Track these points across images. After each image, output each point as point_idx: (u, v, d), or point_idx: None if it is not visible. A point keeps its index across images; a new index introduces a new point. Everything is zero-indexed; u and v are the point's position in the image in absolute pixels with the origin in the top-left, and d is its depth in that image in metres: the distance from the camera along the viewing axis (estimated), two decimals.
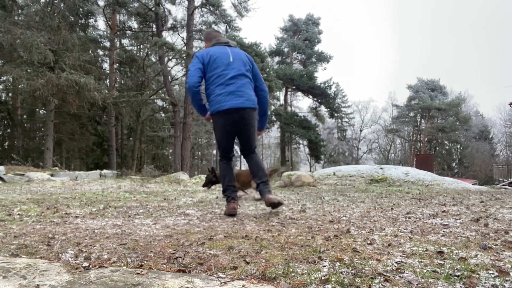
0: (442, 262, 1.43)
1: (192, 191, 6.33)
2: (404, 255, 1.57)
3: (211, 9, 18.73)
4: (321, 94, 31.41)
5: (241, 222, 2.72)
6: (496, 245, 1.75)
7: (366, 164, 15.33)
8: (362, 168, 8.29)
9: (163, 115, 26.67)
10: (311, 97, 32.99)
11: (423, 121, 41.23)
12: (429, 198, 4.45)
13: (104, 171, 11.63)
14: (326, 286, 1.18)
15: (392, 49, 76.85)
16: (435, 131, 37.34)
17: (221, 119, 3.11)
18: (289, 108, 34.06)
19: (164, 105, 24.53)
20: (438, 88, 41.76)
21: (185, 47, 18.25)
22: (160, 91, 21.87)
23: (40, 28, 14.19)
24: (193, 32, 18.46)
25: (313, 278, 1.25)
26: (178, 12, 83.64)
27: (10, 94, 22.12)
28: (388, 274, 1.28)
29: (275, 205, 3.07)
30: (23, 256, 1.66)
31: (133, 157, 22.17)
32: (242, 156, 3.39)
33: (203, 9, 19.05)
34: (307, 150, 35.09)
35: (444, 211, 3.05)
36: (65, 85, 13.52)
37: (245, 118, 3.11)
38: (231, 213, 3.07)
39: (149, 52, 21.61)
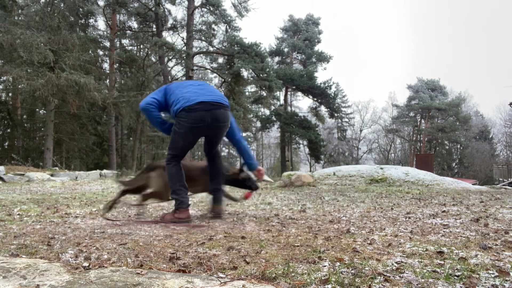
0: (442, 262, 1.43)
1: None
2: (404, 255, 1.57)
3: (211, 9, 18.74)
4: (321, 94, 31.40)
5: (241, 222, 2.72)
6: (496, 245, 1.75)
7: (366, 164, 15.33)
8: (362, 168, 8.29)
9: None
10: (311, 97, 32.98)
11: (423, 121, 41.22)
12: (429, 198, 4.45)
13: (104, 171, 11.63)
14: (326, 286, 1.18)
15: (392, 49, 76.91)
16: (435, 131, 37.33)
17: (190, 115, 2.66)
18: (289, 108, 34.04)
19: None
20: (438, 88, 41.75)
21: (185, 47, 18.26)
22: None
23: (40, 28, 14.19)
24: (193, 32, 18.47)
25: (313, 278, 1.25)
26: (178, 12, 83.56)
27: (10, 94, 22.12)
28: (388, 274, 1.28)
29: (218, 217, 2.88)
30: (23, 256, 1.66)
31: (133, 157, 22.17)
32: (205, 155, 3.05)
33: (203, 9, 19.07)
34: (307, 150, 35.07)
35: (444, 211, 3.05)
36: (65, 85, 13.52)
37: (218, 116, 2.72)
38: (185, 221, 2.64)
39: (149, 52, 21.61)
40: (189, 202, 2.78)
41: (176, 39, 27.63)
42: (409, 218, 2.73)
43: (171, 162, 2.79)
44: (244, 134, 32.90)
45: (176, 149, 2.81)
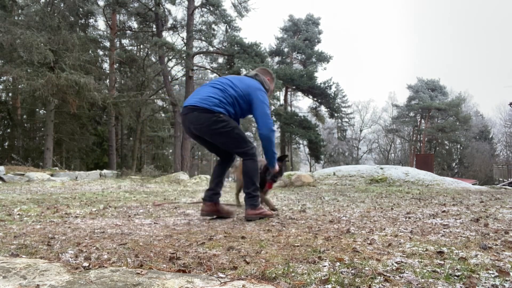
0: (442, 262, 1.43)
1: (192, 191, 6.33)
2: (404, 255, 1.56)
3: (211, 9, 18.74)
4: (321, 94, 31.41)
5: (241, 222, 2.72)
6: (496, 245, 1.75)
7: (366, 164, 15.33)
8: (362, 168, 8.29)
9: (163, 115, 26.68)
10: (311, 97, 32.98)
11: (423, 121, 41.23)
12: (429, 198, 4.45)
13: (104, 171, 11.64)
14: (326, 286, 1.18)
15: (392, 49, 76.91)
16: (435, 131, 37.34)
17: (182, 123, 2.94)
18: (289, 108, 34.05)
19: (164, 105, 24.55)
20: (438, 88, 41.76)
21: (185, 47, 18.25)
22: (160, 91, 21.89)
23: (40, 28, 14.19)
24: (193, 32, 18.47)
25: (313, 278, 1.25)
26: (178, 12, 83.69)
27: (10, 94, 22.12)
28: (388, 274, 1.28)
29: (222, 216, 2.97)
30: (23, 256, 1.66)
31: (133, 157, 22.18)
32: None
33: (203, 9, 19.07)
34: (307, 150, 35.07)
35: (444, 211, 3.05)
36: (65, 85, 13.52)
37: (193, 121, 2.76)
38: (205, 214, 2.92)
39: (149, 52, 21.61)
40: (209, 196, 2.93)
41: (176, 39, 27.71)
42: (409, 218, 2.73)
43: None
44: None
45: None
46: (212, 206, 2.91)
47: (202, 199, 2.97)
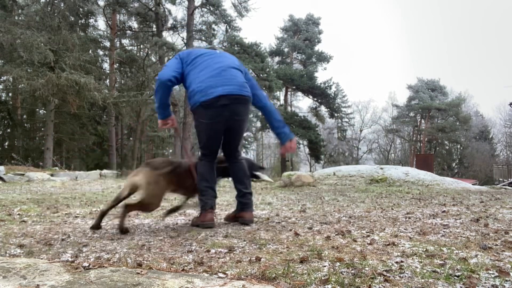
0: (442, 262, 1.43)
1: None
2: (404, 255, 1.56)
3: (211, 9, 18.74)
4: (321, 94, 31.41)
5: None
6: (496, 245, 1.75)
7: (366, 164, 15.33)
8: (362, 168, 8.29)
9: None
10: (311, 97, 32.99)
11: (423, 121, 41.21)
12: (429, 198, 4.45)
13: (104, 171, 11.62)
14: (326, 286, 1.18)
15: (392, 49, 76.88)
16: (435, 131, 37.32)
17: (207, 112, 2.43)
18: (289, 108, 34.03)
19: None
20: (438, 88, 41.73)
21: (185, 47, 18.26)
22: None
23: (40, 28, 14.19)
24: (193, 32, 18.47)
25: (313, 278, 1.25)
26: (178, 12, 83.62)
27: (10, 94, 22.13)
28: (388, 274, 1.28)
29: (246, 223, 2.55)
30: (23, 256, 1.66)
31: (133, 157, 22.17)
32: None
33: (203, 9, 19.07)
34: (307, 150, 35.07)
35: (444, 211, 3.05)
36: (65, 85, 13.52)
37: (239, 111, 2.46)
38: (207, 226, 2.45)
39: (149, 52, 21.62)
40: (213, 204, 2.54)
41: (176, 39, 27.60)
42: (409, 218, 2.73)
43: (201, 160, 2.61)
44: (244, 134, 32.84)
45: (203, 147, 2.60)
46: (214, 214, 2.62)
47: (210, 206, 2.56)
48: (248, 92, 2.48)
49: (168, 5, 19.33)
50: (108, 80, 21.03)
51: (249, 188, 2.61)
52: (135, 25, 21.60)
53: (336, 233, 2.13)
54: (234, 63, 2.60)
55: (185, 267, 1.44)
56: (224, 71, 2.46)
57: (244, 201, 2.59)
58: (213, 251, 1.72)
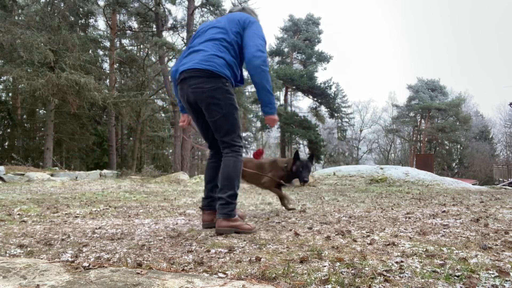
0: (442, 262, 1.43)
1: (192, 191, 6.33)
2: (404, 255, 1.56)
3: (211, 9, 18.73)
4: (321, 94, 31.43)
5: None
6: (496, 245, 1.75)
7: (366, 164, 15.33)
8: (362, 168, 8.30)
9: (163, 115, 26.68)
10: (311, 97, 33.01)
11: (423, 121, 41.22)
12: (429, 198, 4.45)
13: (104, 171, 11.63)
14: (326, 286, 1.18)
15: (392, 49, 76.91)
16: (435, 131, 37.33)
17: (176, 90, 2.39)
18: (289, 108, 34.04)
19: (164, 105, 24.53)
20: (438, 88, 41.75)
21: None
22: (160, 91, 21.89)
23: (40, 28, 14.19)
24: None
25: (313, 278, 1.25)
26: (178, 12, 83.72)
27: (10, 94, 22.12)
28: (388, 274, 1.28)
29: (216, 232, 2.24)
30: (23, 256, 1.66)
31: (133, 157, 22.17)
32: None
33: (203, 9, 19.05)
34: (307, 150, 35.08)
35: (444, 211, 3.05)
36: (65, 85, 13.51)
37: (193, 83, 2.23)
38: (204, 226, 2.43)
39: (149, 52, 21.62)
40: (207, 204, 2.46)
41: (176, 39, 27.67)
42: (409, 218, 2.73)
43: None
44: (244, 134, 32.81)
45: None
46: (213, 215, 2.42)
47: (200, 208, 2.53)
48: (206, 65, 2.21)
49: (168, 5, 19.31)
50: (108, 80, 21.03)
51: (223, 191, 2.25)
52: (135, 25, 21.61)
53: (336, 233, 2.13)
54: (216, 34, 2.33)
55: (185, 267, 1.44)
56: (194, 51, 2.32)
57: (216, 205, 2.32)
58: (213, 251, 1.72)
